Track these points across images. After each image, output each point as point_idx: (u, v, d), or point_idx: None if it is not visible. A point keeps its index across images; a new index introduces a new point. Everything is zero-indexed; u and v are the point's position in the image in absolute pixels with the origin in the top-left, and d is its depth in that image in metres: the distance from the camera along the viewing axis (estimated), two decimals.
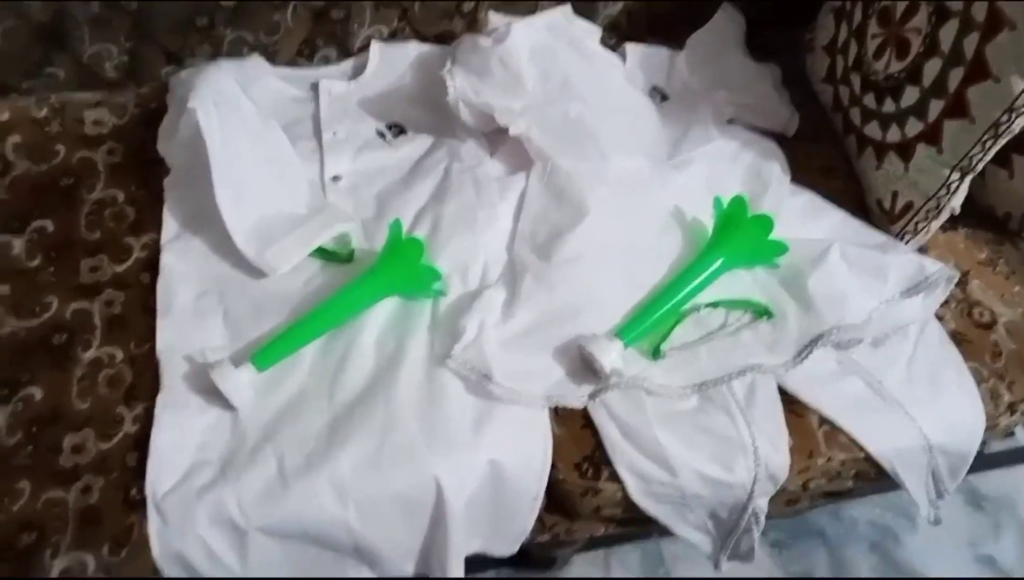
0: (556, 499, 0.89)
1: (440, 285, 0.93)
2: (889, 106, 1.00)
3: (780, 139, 1.14)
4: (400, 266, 0.92)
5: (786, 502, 0.95)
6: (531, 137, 1.03)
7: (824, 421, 0.90)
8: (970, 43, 0.90)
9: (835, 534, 1.30)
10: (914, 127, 0.97)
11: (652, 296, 0.93)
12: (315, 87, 1.15)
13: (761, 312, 0.93)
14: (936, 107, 0.94)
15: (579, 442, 0.88)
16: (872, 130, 1.04)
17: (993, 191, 1.05)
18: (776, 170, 1.07)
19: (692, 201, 1.02)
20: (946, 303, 0.99)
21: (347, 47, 1.20)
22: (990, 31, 0.88)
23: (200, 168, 0.95)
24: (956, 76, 0.92)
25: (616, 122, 1.07)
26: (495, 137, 1.08)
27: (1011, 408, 0.95)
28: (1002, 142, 0.91)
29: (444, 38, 1.17)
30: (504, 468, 0.84)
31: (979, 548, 1.32)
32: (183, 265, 0.96)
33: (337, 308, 0.89)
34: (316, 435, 0.82)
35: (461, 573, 0.84)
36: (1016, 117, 0.88)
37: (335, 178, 1.05)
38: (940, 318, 0.99)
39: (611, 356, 0.86)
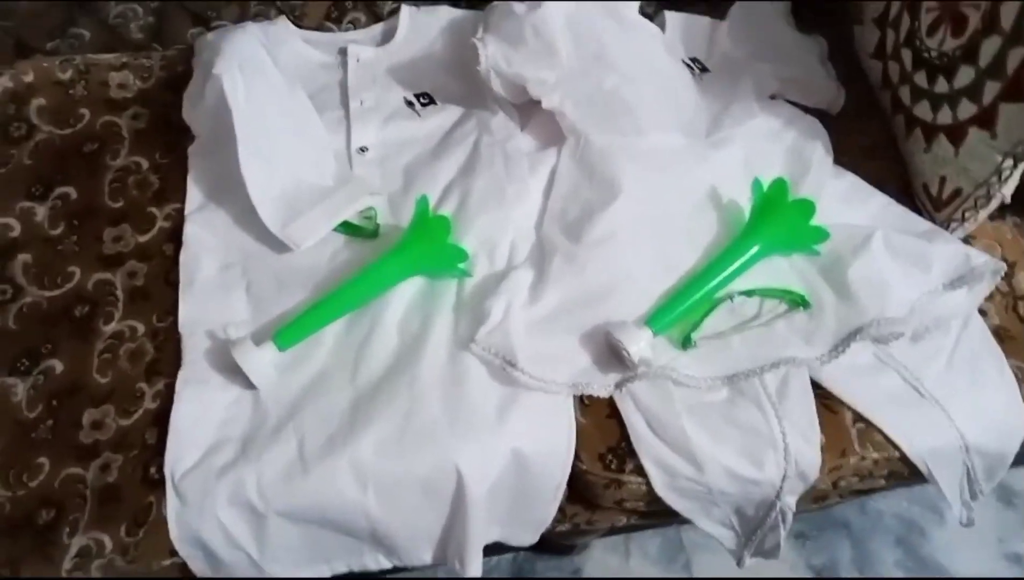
0: (578, 489, 0.88)
1: (466, 265, 0.91)
2: (942, 86, 0.95)
3: (824, 116, 1.09)
4: (426, 245, 0.90)
5: (814, 498, 0.93)
6: (564, 111, 0.99)
7: (858, 418, 0.87)
8: None
9: (860, 527, 1.27)
10: (967, 109, 0.92)
11: (684, 282, 0.90)
12: (343, 52, 1.12)
13: (797, 302, 0.89)
14: (992, 89, 0.89)
15: (604, 432, 0.86)
16: (922, 110, 0.98)
17: None
18: (819, 151, 1.02)
19: (730, 181, 0.98)
20: (991, 297, 0.95)
21: (376, 11, 1.16)
22: None
23: (225, 136, 0.93)
24: (1016, 56, 0.86)
25: (653, 96, 1.02)
26: (527, 109, 1.05)
27: None
28: None
29: (477, 2, 1.13)
30: (527, 457, 0.82)
31: (1008, 545, 1.29)
32: (207, 236, 0.94)
33: (361, 287, 0.87)
34: (339, 415, 0.81)
35: (479, 562, 0.83)
36: None
37: (362, 149, 1.02)
38: (983, 313, 0.95)
39: (639, 345, 0.83)
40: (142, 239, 0.95)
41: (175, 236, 0.95)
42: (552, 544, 1.20)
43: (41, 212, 0.96)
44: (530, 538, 0.90)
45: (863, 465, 0.88)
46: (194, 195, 0.98)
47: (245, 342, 0.83)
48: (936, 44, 0.96)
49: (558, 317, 0.88)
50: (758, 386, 0.86)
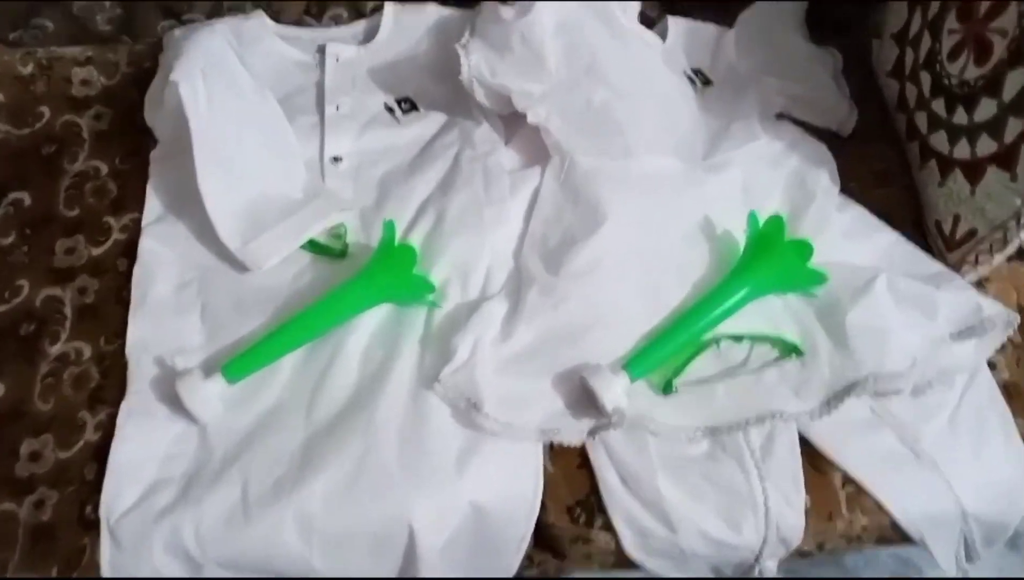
0: (544, 540, 0.82)
1: (435, 296, 0.85)
2: (960, 117, 0.87)
3: (833, 136, 1.02)
4: (390, 275, 0.84)
5: (798, 554, 0.87)
6: (549, 128, 0.93)
7: (848, 480, 0.81)
8: None
9: (854, 564, 1.21)
10: (986, 146, 0.84)
11: (667, 323, 0.83)
12: (322, 50, 1.05)
13: (790, 349, 0.83)
14: (1015, 127, 0.81)
15: (573, 483, 0.80)
16: (938, 141, 0.91)
17: None
18: (824, 180, 0.95)
19: (725, 210, 0.91)
20: (1001, 348, 0.87)
21: (359, 8, 1.09)
22: None
23: (188, 142, 0.87)
24: None
25: (646, 113, 0.95)
26: (513, 119, 0.98)
27: None
28: None
29: (466, 1, 1.05)
30: (488, 510, 0.77)
31: None
32: (164, 251, 0.89)
33: (318, 318, 0.82)
34: (288, 457, 0.76)
35: None
36: None
37: (335, 159, 0.96)
38: (992, 365, 0.87)
39: (614, 392, 0.77)
40: (96, 252, 0.90)
41: (131, 249, 0.89)
42: None
43: None
44: None
45: (851, 530, 0.81)
46: (153, 205, 0.92)
47: (191, 374, 0.78)
48: (957, 71, 0.88)
49: (530, 356, 0.82)
50: (741, 441, 0.80)
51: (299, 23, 1.09)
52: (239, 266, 0.87)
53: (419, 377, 0.81)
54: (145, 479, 0.76)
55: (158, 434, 0.78)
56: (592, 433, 0.79)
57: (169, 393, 0.78)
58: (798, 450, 0.80)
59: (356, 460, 0.75)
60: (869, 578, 1.22)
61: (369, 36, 1.08)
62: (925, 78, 0.93)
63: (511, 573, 0.82)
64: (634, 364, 0.80)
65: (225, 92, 0.90)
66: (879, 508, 0.80)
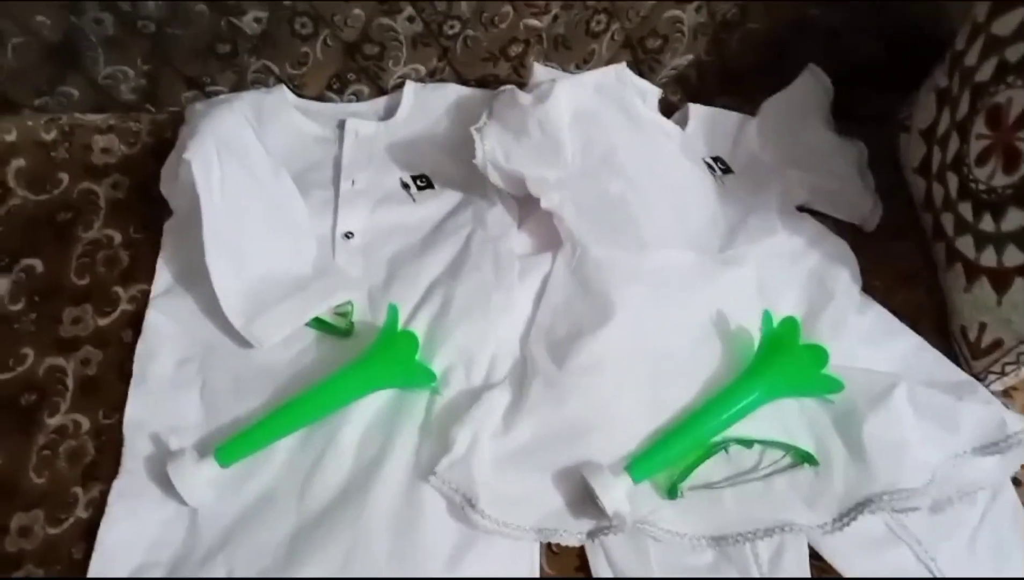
0: None
1: (436, 385, 0.83)
2: (988, 224, 0.84)
3: (857, 231, 0.99)
4: (391, 362, 0.82)
5: None
6: (563, 215, 0.91)
7: None
8: None
9: None
10: (1014, 257, 0.81)
11: (675, 424, 0.81)
12: (342, 125, 1.05)
13: (803, 457, 0.79)
14: None
15: None
16: (965, 245, 0.88)
17: None
18: (844, 279, 0.92)
19: (739, 307, 0.89)
20: None
21: (381, 84, 1.09)
22: None
23: (199, 218, 0.86)
24: None
25: (662, 205, 0.94)
26: (527, 201, 0.97)
27: None
28: None
29: (486, 82, 1.05)
30: None
31: None
32: (169, 325, 0.89)
33: (315, 403, 0.80)
34: (275, 549, 0.74)
35: None
36: None
37: (347, 235, 0.96)
38: (1017, 482, 0.83)
39: (615, 495, 0.74)
40: (102, 322, 0.90)
41: (137, 321, 0.89)
42: None
43: (3, 285, 0.91)
44: None
45: None
46: (163, 277, 0.92)
47: (183, 457, 0.76)
48: (985, 177, 0.85)
49: (531, 452, 0.80)
50: (748, 553, 0.76)
51: (320, 98, 1.10)
52: (243, 342, 0.86)
53: (416, 467, 0.79)
54: (132, 562, 0.74)
55: (148, 517, 0.76)
56: (592, 535, 0.76)
57: (162, 473, 0.77)
58: (807, 564, 0.77)
59: (344, 553, 0.73)
60: None
61: (389, 113, 1.08)
62: (952, 179, 0.91)
63: None
64: (637, 466, 0.77)
65: (237, 170, 0.90)
66: None
